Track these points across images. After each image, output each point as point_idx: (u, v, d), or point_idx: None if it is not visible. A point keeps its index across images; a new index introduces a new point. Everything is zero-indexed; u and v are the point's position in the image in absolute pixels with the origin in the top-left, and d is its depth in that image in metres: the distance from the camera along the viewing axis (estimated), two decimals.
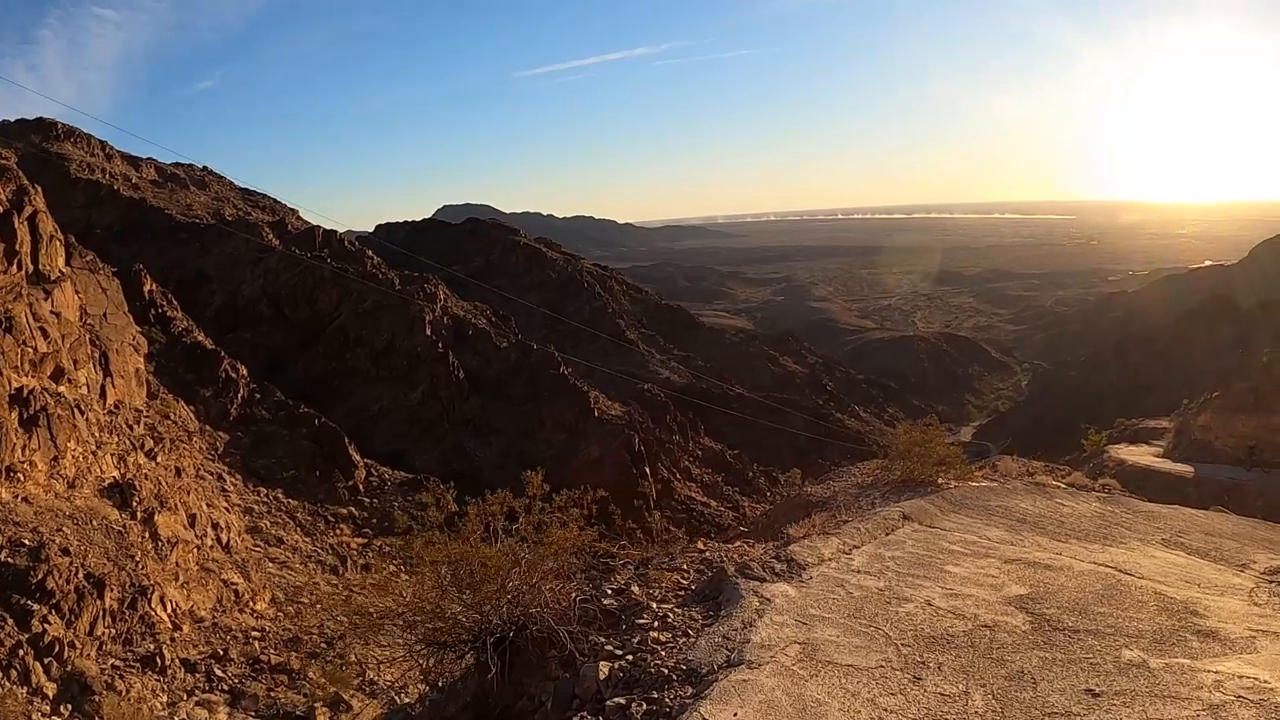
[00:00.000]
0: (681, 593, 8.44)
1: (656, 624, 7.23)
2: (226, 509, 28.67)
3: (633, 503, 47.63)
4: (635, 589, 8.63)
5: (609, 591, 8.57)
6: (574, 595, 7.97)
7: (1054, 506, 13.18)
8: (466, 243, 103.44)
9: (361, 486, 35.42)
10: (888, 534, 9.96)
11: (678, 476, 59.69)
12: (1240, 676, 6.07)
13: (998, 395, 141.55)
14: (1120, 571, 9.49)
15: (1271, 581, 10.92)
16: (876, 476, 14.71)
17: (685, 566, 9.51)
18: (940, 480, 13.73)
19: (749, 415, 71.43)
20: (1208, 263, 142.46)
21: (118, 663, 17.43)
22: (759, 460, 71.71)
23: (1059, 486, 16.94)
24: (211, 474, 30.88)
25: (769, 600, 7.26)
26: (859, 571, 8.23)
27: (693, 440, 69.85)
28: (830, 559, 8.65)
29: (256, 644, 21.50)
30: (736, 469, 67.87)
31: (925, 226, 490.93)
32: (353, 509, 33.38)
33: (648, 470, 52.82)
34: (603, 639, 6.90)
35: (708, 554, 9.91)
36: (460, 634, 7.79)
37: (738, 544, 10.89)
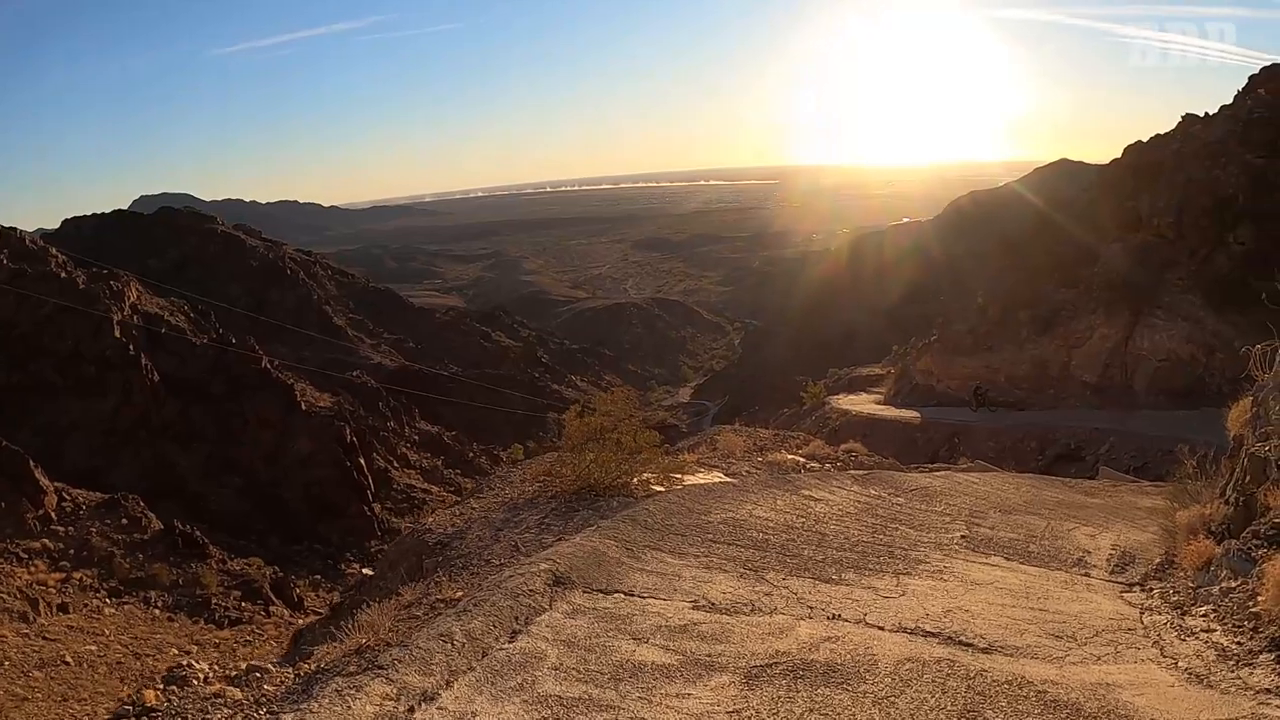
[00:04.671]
0: None
1: None
2: None
3: (349, 497, 48.37)
4: None
5: None
6: None
7: (804, 506, 8.94)
8: (160, 234, 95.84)
9: (54, 514, 31.21)
10: (512, 636, 4.97)
11: (395, 465, 59.81)
12: None
13: (712, 355, 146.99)
14: (954, 643, 5.22)
15: (1133, 588, 7.47)
16: (542, 484, 9.78)
17: None
18: (636, 483, 9.07)
19: (465, 395, 71.44)
20: (905, 219, 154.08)
21: None
22: (479, 439, 72.67)
23: (799, 462, 13.13)
24: None
25: None
26: None
27: (408, 425, 69.80)
28: None
29: None
30: (456, 450, 68.51)
31: (632, 195, 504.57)
32: (46, 541, 29.54)
33: (363, 462, 52.00)
34: None
35: None
36: None
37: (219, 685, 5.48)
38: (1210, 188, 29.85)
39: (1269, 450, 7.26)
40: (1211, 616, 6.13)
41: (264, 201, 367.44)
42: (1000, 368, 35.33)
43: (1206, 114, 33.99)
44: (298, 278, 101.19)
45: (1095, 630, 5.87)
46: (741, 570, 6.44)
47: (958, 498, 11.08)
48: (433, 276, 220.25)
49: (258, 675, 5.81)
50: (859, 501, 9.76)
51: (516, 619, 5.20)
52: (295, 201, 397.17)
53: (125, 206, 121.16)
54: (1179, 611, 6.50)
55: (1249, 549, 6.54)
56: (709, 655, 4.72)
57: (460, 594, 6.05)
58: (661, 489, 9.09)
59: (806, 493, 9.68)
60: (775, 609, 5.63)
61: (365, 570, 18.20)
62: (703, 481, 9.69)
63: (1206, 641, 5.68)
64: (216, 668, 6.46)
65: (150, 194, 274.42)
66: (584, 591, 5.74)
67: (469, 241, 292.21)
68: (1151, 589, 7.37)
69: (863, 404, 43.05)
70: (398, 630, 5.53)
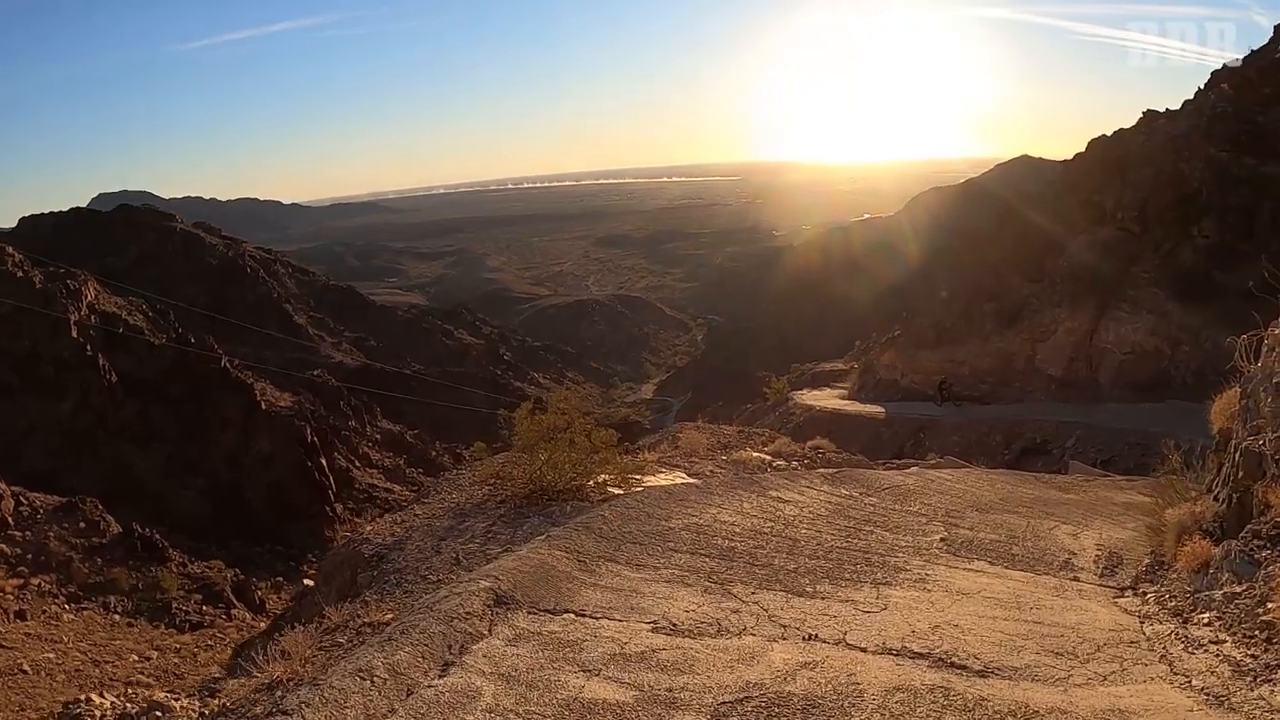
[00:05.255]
0: None
1: None
2: None
3: (311, 497, 48.41)
4: None
5: None
6: None
7: (772, 510, 8.35)
8: (118, 232, 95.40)
9: (10, 519, 31.18)
10: (444, 670, 4.31)
11: (357, 464, 59.63)
12: None
13: (675, 351, 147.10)
14: (947, 666, 4.68)
15: (1125, 593, 6.95)
16: (492, 487, 9.11)
17: None
18: (592, 485, 8.43)
19: (427, 393, 71.32)
20: (867, 215, 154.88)
21: None
22: (441, 437, 71.94)
23: (766, 460, 12.60)
24: None
25: None
26: None
27: (370, 424, 69.67)
28: None
29: None
30: (418, 449, 68.16)
31: (596, 192, 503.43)
32: (3, 546, 29.43)
33: (324, 462, 51.97)
34: None
35: None
36: None
37: None
38: (1175, 182, 29.89)
39: (1263, 444, 6.78)
40: (1218, 625, 5.62)
41: (224, 199, 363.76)
42: (965, 361, 35.23)
43: (1168, 110, 34.14)
44: (257, 276, 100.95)
45: (1096, 644, 5.34)
46: (706, 584, 5.82)
47: (932, 496, 10.58)
48: (395, 274, 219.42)
49: (158, 715, 5.11)
50: (830, 502, 9.21)
51: (450, 648, 4.53)
52: (256, 199, 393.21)
53: (84, 204, 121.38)
54: (1180, 619, 6.00)
55: (1250, 550, 6.06)
56: (670, 690, 4.08)
57: (390, 617, 5.39)
58: (620, 491, 8.48)
59: (774, 494, 9.10)
60: (745, 629, 5.01)
61: (306, 580, 17.29)
62: (664, 483, 9.08)
63: (1217, 654, 5.17)
64: (120, 700, 5.75)
65: (109, 191, 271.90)
66: (529, 613, 5.08)
67: (432, 239, 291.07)
68: (1145, 593, 6.89)
69: (826, 399, 42.76)
70: (315, 661, 4.87)
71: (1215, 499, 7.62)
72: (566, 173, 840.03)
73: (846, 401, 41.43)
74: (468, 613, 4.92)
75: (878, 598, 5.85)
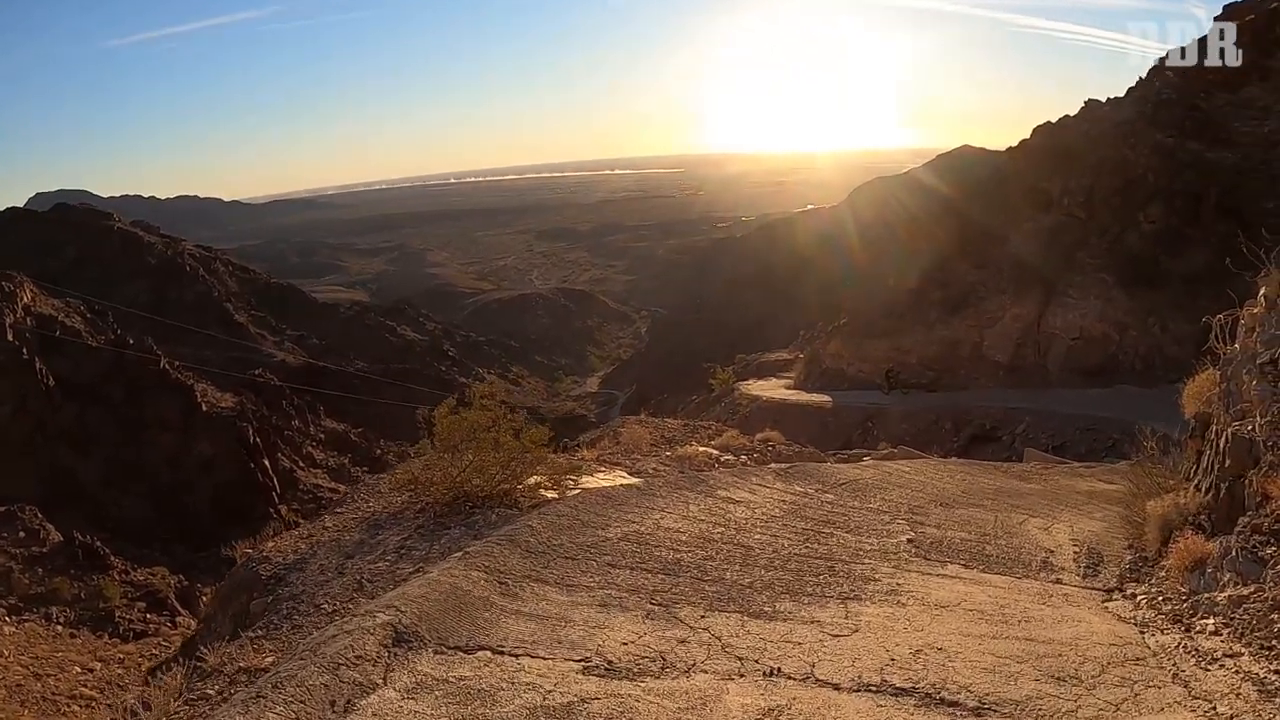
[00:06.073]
0: None
1: None
2: None
3: (254, 500, 47.95)
4: None
5: None
6: None
7: (722, 511, 7.57)
8: (55, 232, 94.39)
9: None
10: None
11: (300, 465, 59.48)
12: None
13: (619, 344, 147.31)
14: (935, 703, 4.13)
15: (1113, 595, 6.30)
16: (411, 495, 8.17)
17: None
18: (522, 489, 7.55)
19: (371, 390, 71.34)
20: (810, 206, 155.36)
21: None
22: (386, 435, 70.86)
23: (713, 455, 11.84)
24: None
25: None
26: None
27: (314, 424, 69.29)
28: None
29: None
30: (363, 448, 67.86)
31: (537, 186, 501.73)
32: None
33: (267, 463, 51.91)
34: None
35: None
36: None
37: None
38: (1121, 168, 30.13)
39: (1253, 430, 6.16)
40: (1228, 634, 4.98)
41: (163, 197, 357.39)
42: (911, 349, 35.24)
43: (1111, 98, 34.44)
44: (197, 274, 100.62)
45: (1100, 664, 4.65)
46: (648, 606, 4.99)
47: (892, 491, 9.91)
48: (336, 271, 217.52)
49: None
50: (784, 501, 8.45)
51: (333, 705, 3.64)
52: (195, 196, 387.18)
53: (21, 204, 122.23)
54: (1183, 627, 5.36)
55: (1253, 547, 5.45)
56: None
57: (270, 660, 4.48)
58: (553, 494, 7.62)
59: (723, 493, 8.32)
60: (694, 665, 4.19)
61: (205, 600, 16.09)
62: (603, 484, 8.23)
63: (1236, 671, 4.52)
64: None
65: (46, 191, 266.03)
66: (435, 653, 4.19)
67: (373, 234, 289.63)
68: (1135, 595, 6.29)
69: (773, 389, 42.49)
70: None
71: (1198, 489, 7.03)
72: (508, 166, 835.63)
73: (793, 391, 41.20)
74: (358, 656, 4.03)
75: (847, 616, 5.08)
